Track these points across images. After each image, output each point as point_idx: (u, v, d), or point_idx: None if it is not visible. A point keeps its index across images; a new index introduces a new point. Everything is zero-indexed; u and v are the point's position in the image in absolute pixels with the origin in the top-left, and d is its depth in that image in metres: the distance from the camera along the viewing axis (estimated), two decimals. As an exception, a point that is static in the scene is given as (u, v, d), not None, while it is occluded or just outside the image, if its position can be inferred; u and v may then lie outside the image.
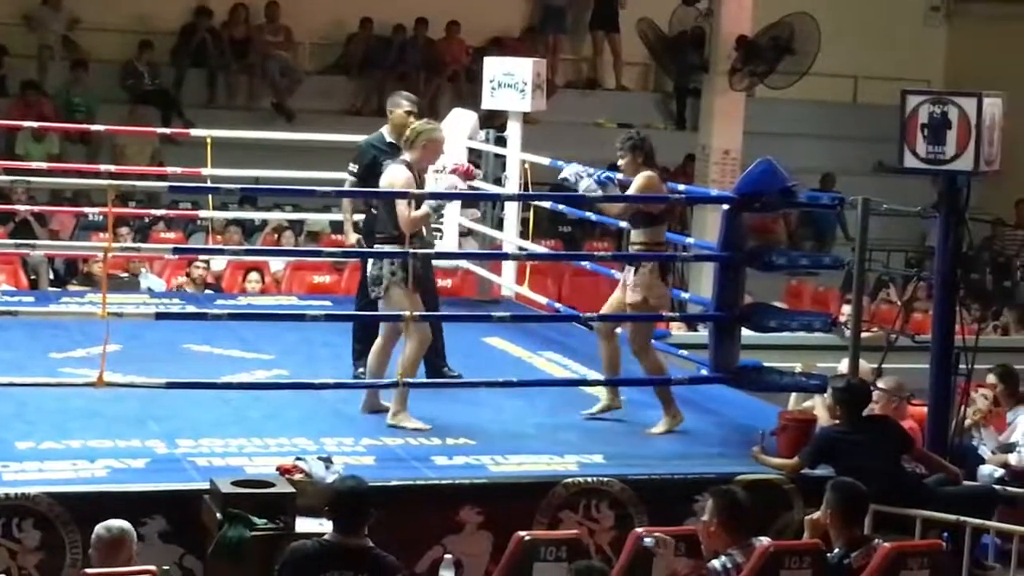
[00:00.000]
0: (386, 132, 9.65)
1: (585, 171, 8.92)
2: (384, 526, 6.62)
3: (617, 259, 8.90)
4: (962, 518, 7.78)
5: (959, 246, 8.69)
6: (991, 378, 10.13)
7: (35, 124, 14.79)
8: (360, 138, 10.09)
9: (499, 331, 10.81)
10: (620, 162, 8.92)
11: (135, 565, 6.36)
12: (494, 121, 13.09)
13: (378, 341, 8.82)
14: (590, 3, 20.21)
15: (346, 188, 9.69)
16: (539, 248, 13.33)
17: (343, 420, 8.69)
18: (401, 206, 8.47)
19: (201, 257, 13.43)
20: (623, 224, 9.43)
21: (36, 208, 14.67)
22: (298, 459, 7.44)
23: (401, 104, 9.64)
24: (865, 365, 9.13)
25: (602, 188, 8.84)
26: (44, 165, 13.20)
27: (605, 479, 7.89)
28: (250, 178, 12.38)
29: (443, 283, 13.50)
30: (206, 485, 7.21)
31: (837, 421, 8.51)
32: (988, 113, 8.48)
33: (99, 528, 6.44)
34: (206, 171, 11.80)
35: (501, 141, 11.97)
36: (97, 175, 12.17)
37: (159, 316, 9.09)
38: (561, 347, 10.30)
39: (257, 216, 15.55)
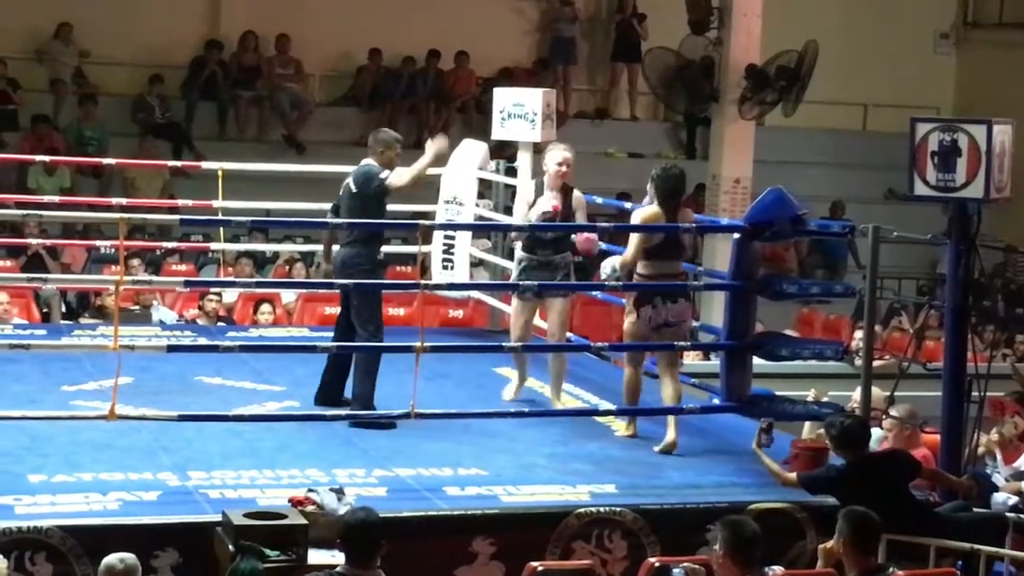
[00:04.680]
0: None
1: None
2: (396, 557, 6.61)
3: (628, 289, 8.90)
4: (976, 546, 7.75)
5: (970, 273, 8.66)
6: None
7: (47, 158, 14.80)
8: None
9: (510, 361, 10.77)
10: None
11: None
12: (504, 151, 13.10)
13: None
14: (609, 34, 20.26)
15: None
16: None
17: (355, 451, 8.69)
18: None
19: (213, 289, 13.45)
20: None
21: (48, 242, 14.71)
22: (310, 491, 7.44)
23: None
24: (877, 393, 9.11)
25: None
26: (56, 199, 13.22)
27: (617, 509, 7.88)
28: (261, 210, 12.42)
29: (455, 313, 13.51)
30: (218, 517, 7.20)
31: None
32: (998, 140, 8.45)
33: (111, 559, 6.33)
34: (217, 203, 11.82)
35: (511, 171, 11.97)
36: (109, 208, 12.18)
37: (171, 349, 9.10)
38: (572, 377, 10.29)
39: (268, 248, 15.56)
